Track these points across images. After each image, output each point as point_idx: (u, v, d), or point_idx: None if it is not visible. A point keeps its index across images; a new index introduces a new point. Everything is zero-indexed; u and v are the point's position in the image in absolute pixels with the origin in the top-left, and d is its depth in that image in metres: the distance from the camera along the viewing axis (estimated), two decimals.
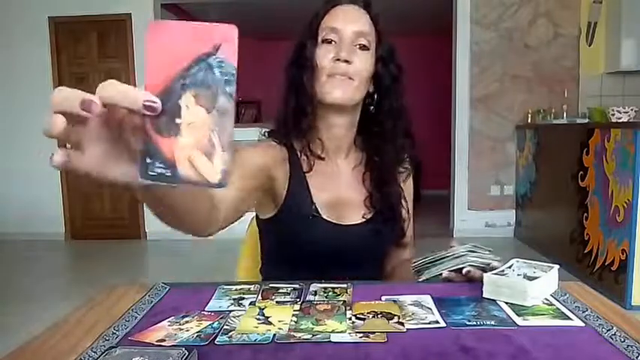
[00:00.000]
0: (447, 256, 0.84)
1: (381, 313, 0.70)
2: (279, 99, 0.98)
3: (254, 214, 1.07)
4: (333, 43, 0.90)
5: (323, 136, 0.97)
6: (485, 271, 0.80)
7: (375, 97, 0.96)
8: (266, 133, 1.00)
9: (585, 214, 2.97)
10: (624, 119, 3.09)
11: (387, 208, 0.98)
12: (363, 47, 0.90)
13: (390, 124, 0.96)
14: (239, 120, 7.22)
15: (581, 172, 3.01)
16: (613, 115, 3.14)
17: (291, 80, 0.93)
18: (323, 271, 0.85)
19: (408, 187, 1.05)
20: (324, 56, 0.89)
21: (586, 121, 3.61)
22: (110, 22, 4.30)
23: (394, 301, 0.75)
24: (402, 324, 0.66)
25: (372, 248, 0.99)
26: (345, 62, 0.88)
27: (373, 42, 0.92)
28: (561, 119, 3.77)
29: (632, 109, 3.11)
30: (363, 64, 0.90)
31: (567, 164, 3.16)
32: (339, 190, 0.98)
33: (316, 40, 0.91)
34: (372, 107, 0.96)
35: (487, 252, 0.85)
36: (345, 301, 0.74)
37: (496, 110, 4.18)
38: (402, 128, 0.98)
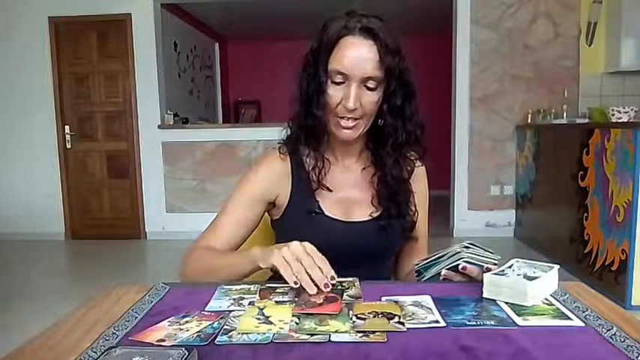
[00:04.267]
0: (444, 255, 0.85)
1: (381, 313, 0.70)
2: (293, 109, 0.99)
3: None
4: (342, 84, 0.91)
5: (334, 143, 1.01)
6: (482, 270, 0.80)
7: (385, 109, 0.96)
8: (278, 145, 1.04)
9: (585, 214, 2.97)
10: (624, 119, 3.09)
11: (394, 206, 0.99)
12: (371, 88, 0.91)
13: (399, 133, 0.97)
14: (239, 120, 7.23)
15: (581, 172, 3.01)
16: (613, 115, 3.14)
17: (303, 99, 0.95)
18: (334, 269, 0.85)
19: (418, 184, 1.07)
20: (333, 97, 0.91)
21: (586, 121, 3.61)
22: (110, 22, 4.29)
23: (395, 301, 0.75)
24: (402, 324, 0.66)
25: (379, 245, 1.01)
26: (353, 109, 0.90)
27: (382, 80, 0.90)
28: (561, 119, 3.77)
29: (632, 109, 3.11)
30: (370, 104, 0.92)
31: (567, 164, 3.16)
32: (347, 190, 1.02)
33: (326, 71, 0.91)
34: (380, 120, 0.97)
35: (484, 250, 0.85)
36: (349, 302, 0.74)
37: (496, 110, 4.18)
38: (412, 136, 0.98)
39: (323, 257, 0.79)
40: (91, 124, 4.42)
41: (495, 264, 0.83)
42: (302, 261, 0.76)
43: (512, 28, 4.10)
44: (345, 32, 0.90)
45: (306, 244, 0.79)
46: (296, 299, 0.76)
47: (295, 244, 0.79)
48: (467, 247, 0.84)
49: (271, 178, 1.01)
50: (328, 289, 0.75)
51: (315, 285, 0.75)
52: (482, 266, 0.82)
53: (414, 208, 1.03)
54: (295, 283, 0.75)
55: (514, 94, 4.15)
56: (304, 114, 0.96)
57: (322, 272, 0.75)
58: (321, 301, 0.74)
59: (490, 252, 0.85)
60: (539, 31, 4.09)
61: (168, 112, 4.44)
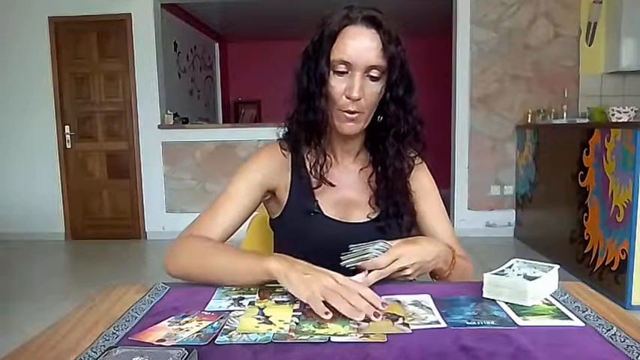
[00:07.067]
0: (360, 252, 0.84)
1: (385, 314, 0.70)
2: (291, 107, 0.98)
3: (254, 214, 1.08)
4: (344, 74, 0.90)
5: (333, 141, 1.01)
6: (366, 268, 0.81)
7: (388, 98, 0.95)
8: (279, 140, 1.03)
9: (585, 214, 2.97)
10: (624, 119, 3.09)
11: (392, 205, 0.99)
12: (374, 78, 0.90)
13: (402, 123, 0.96)
14: (239, 120, 7.23)
15: (581, 172, 3.01)
16: (613, 115, 3.14)
17: (304, 94, 0.94)
18: (332, 270, 0.85)
19: (419, 181, 1.04)
20: (335, 88, 0.90)
21: (586, 121, 3.61)
22: (110, 22, 4.29)
23: (398, 301, 0.75)
24: (406, 325, 0.66)
25: None
26: (357, 100, 0.89)
27: (385, 70, 0.90)
28: (561, 119, 3.77)
29: (632, 109, 3.11)
30: (373, 95, 0.91)
31: (567, 164, 3.16)
32: (345, 191, 1.01)
33: (328, 62, 0.90)
34: (379, 117, 0.96)
35: (372, 244, 0.83)
36: None
37: (496, 110, 4.18)
38: (412, 134, 0.97)
39: (361, 284, 0.73)
40: (91, 124, 4.42)
41: (380, 250, 0.82)
42: (340, 293, 0.69)
43: (512, 28, 4.10)
44: (347, 22, 0.89)
45: (336, 274, 0.73)
46: (296, 299, 0.75)
47: (326, 278, 0.71)
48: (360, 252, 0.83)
49: (272, 167, 1.00)
50: (379, 318, 0.67)
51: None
52: (367, 258, 0.81)
53: (412, 208, 1.02)
54: (326, 313, 0.67)
55: (514, 94, 4.15)
56: (305, 109, 0.94)
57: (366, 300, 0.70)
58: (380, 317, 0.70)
59: (381, 244, 0.83)
60: (539, 31, 4.09)
61: (168, 112, 4.44)
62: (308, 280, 0.72)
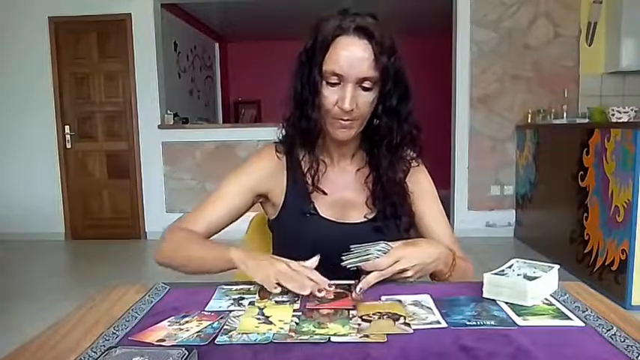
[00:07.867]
0: (362, 252, 0.84)
1: (386, 313, 0.70)
2: (287, 109, 0.97)
3: (254, 214, 1.08)
4: (337, 85, 0.89)
5: (329, 144, 1.00)
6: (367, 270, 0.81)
7: (380, 110, 0.94)
8: (275, 143, 1.03)
9: (585, 214, 2.97)
10: (624, 119, 3.09)
11: (390, 206, 0.98)
12: (366, 89, 0.89)
13: (395, 134, 0.95)
14: (239, 120, 7.23)
15: (581, 172, 3.01)
16: (613, 115, 3.14)
17: (298, 100, 0.94)
18: (330, 270, 0.85)
19: (417, 183, 1.04)
20: (328, 98, 0.90)
21: (586, 121, 3.61)
22: (110, 22, 4.29)
23: (399, 301, 0.75)
24: (408, 325, 0.66)
25: None
26: (348, 111, 0.89)
27: (377, 80, 0.89)
28: (561, 119, 3.77)
29: (632, 109, 3.11)
30: (365, 105, 0.90)
31: (567, 164, 3.16)
32: (342, 192, 1.01)
33: (321, 72, 0.89)
34: (375, 120, 0.95)
35: (374, 245, 0.83)
36: (349, 309, 0.74)
37: (496, 110, 4.18)
38: (407, 136, 0.97)
39: (310, 270, 0.79)
40: (91, 124, 4.42)
41: (381, 251, 0.82)
42: (291, 275, 0.77)
43: (512, 28, 4.10)
44: (339, 32, 0.88)
45: (290, 261, 0.80)
46: (296, 298, 0.76)
47: (280, 264, 0.79)
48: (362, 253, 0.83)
49: (266, 173, 1.01)
50: (322, 294, 0.75)
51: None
52: (369, 259, 0.81)
53: (409, 209, 1.02)
54: (275, 288, 0.76)
55: (514, 94, 4.15)
56: (299, 116, 0.94)
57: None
58: (332, 296, 0.76)
59: (382, 245, 0.84)
60: (539, 31, 4.09)
61: (168, 112, 4.44)
62: (264, 264, 0.80)
